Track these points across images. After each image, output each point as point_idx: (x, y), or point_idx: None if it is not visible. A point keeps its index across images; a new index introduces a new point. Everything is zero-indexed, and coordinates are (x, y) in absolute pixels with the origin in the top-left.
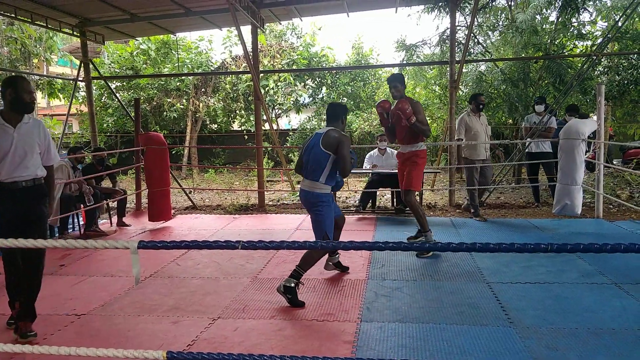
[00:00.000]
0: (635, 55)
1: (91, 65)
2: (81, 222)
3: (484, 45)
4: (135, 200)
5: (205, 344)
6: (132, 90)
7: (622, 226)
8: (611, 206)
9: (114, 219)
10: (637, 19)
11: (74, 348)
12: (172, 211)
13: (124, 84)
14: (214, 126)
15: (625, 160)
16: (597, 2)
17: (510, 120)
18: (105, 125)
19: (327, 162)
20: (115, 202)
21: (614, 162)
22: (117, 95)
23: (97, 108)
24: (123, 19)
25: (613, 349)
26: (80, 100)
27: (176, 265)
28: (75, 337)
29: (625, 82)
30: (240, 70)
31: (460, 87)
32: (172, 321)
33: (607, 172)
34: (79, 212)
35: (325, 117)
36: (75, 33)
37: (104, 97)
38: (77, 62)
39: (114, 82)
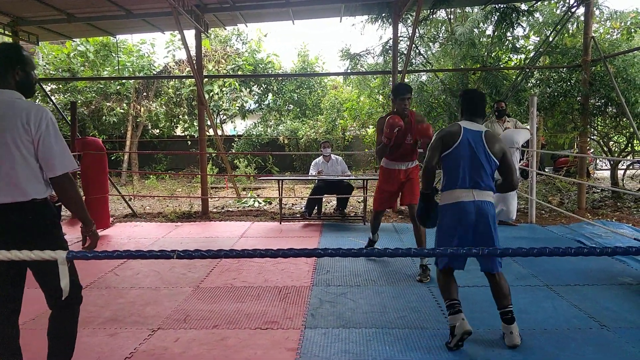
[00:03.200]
0: (565, 69)
1: None
2: None
3: (425, 56)
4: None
5: (144, 356)
6: (69, 93)
7: (554, 230)
8: (543, 211)
9: None
10: (566, 35)
11: None
12: (111, 219)
13: (60, 86)
14: (156, 131)
15: (556, 168)
16: (530, 18)
17: None
18: None
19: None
20: None
21: (546, 170)
22: (52, 98)
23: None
24: (59, 19)
25: (545, 348)
26: None
27: (114, 275)
28: (1, 353)
29: (556, 94)
30: (184, 74)
31: None
32: (109, 334)
33: (539, 179)
34: None
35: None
36: (6, 32)
37: (37, 100)
38: None
39: (49, 84)
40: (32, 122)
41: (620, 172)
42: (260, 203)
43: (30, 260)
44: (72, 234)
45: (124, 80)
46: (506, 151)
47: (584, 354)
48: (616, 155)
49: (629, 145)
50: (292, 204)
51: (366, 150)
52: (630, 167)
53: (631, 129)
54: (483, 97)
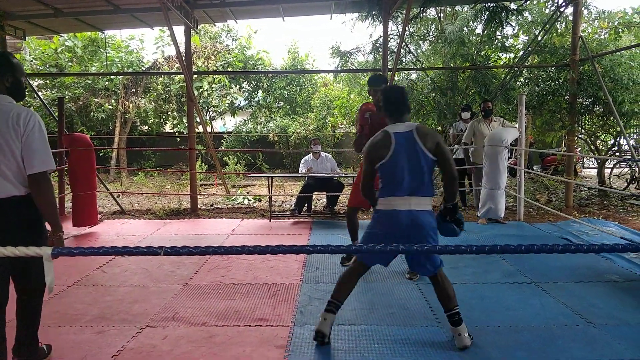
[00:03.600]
0: (553, 68)
1: None
2: None
3: (415, 54)
4: (58, 205)
5: (131, 354)
6: (56, 89)
7: (541, 228)
8: (531, 209)
9: None
10: (555, 34)
11: None
12: (99, 216)
13: (47, 82)
14: (145, 128)
15: (544, 166)
16: (519, 17)
17: (440, 127)
18: None
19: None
20: None
21: (534, 168)
22: (40, 94)
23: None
24: (46, 13)
25: (532, 344)
26: None
27: (102, 272)
28: None
29: (544, 92)
30: (173, 71)
31: None
32: (97, 331)
33: (527, 177)
34: None
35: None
36: None
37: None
38: None
39: (36, 79)
40: (22, 123)
41: (607, 171)
42: (250, 200)
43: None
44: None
45: (112, 76)
46: (440, 142)
47: (570, 350)
48: (603, 154)
49: (616, 144)
50: (282, 201)
51: None
52: (617, 166)
53: (618, 128)
54: (402, 92)
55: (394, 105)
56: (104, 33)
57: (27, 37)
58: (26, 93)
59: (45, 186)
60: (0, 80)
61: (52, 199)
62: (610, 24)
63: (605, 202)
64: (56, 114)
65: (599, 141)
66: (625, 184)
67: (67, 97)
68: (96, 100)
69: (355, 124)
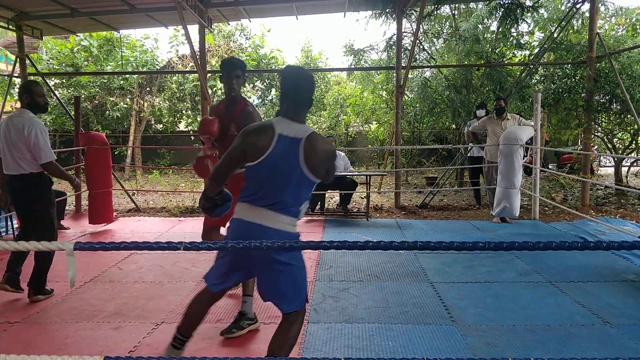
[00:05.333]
0: (570, 65)
1: (28, 61)
2: (15, 225)
3: (429, 52)
4: (74, 202)
5: (147, 349)
6: (73, 88)
7: (557, 227)
8: (547, 208)
9: None
10: (571, 31)
11: (3, 355)
12: (114, 213)
13: (64, 81)
14: (159, 126)
15: (559, 164)
16: (535, 13)
17: (454, 126)
18: (43, 123)
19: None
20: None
21: (550, 167)
22: (56, 92)
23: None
24: (63, 13)
25: (547, 344)
26: (16, 98)
27: (118, 269)
28: (7, 346)
29: (560, 90)
30: (187, 69)
31: (405, 92)
32: (114, 327)
33: (543, 176)
34: (13, 215)
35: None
36: (10, 27)
37: None
38: (13, 57)
39: (53, 79)
40: (25, 131)
41: (624, 169)
42: None
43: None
44: (76, 228)
45: (127, 75)
46: (331, 165)
47: (586, 350)
48: (620, 152)
49: (633, 142)
50: None
51: (369, 146)
52: (635, 164)
53: (636, 126)
54: (307, 78)
55: (295, 94)
56: (119, 32)
57: (44, 37)
58: (47, 108)
59: (51, 168)
60: (21, 99)
61: (60, 173)
62: (628, 20)
63: (622, 201)
64: (73, 113)
65: (616, 139)
66: None
67: (83, 96)
68: (111, 99)
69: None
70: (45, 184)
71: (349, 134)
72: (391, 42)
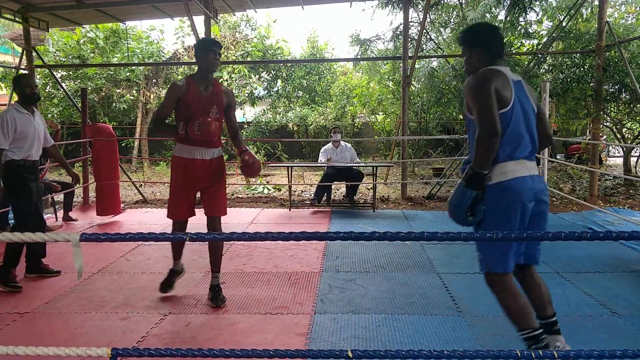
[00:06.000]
0: (578, 54)
1: (34, 53)
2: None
3: (436, 41)
4: (82, 194)
5: (155, 340)
6: (79, 80)
7: (565, 218)
8: (555, 199)
9: (60, 214)
10: (580, 20)
11: (12, 347)
12: (122, 205)
13: (70, 73)
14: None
15: (568, 155)
16: (543, 2)
17: (461, 116)
18: (50, 115)
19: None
20: (61, 196)
21: (558, 157)
22: (63, 85)
23: (42, 98)
24: (68, 5)
25: None
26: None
27: (125, 260)
28: (16, 337)
29: (569, 80)
30: (193, 61)
31: (412, 82)
32: (122, 317)
33: (551, 166)
34: None
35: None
36: (17, 19)
37: (48, 86)
38: (20, 49)
39: (60, 71)
40: (43, 122)
41: (633, 159)
42: (270, 190)
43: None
44: (84, 220)
45: (133, 67)
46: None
47: (594, 340)
48: (629, 142)
49: None
50: (302, 191)
51: (376, 137)
52: None
53: None
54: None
55: (499, 40)
56: (124, 24)
57: (50, 29)
58: (36, 98)
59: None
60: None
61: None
62: (638, 8)
63: (631, 191)
64: (79, 105)
65: (625, 129)
66: None
67: (89, 88)
68: (118, 91)
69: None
70: (11, 173)
71: (356, 124)
72: (398, 32)
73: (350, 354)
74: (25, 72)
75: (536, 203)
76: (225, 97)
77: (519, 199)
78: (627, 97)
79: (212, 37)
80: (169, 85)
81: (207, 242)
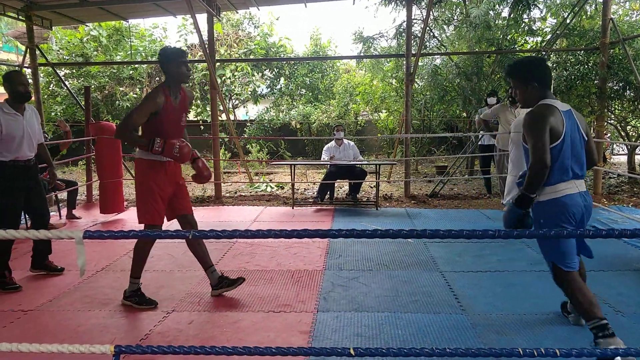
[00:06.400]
0: (582, 52)
1: (38, 52)
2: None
3: (439, 39)
4: (85, 192)
5: (158, 337)
6: (82, 78)
7: None
8: None
9: (64, 212)
10: (584, 17)
11: (16, 344)
12: (125, 203)
13: (74, 71)
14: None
15: None
16: None
17: (464, 114)
18: (53, 114)
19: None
20: (65, 194)
21: None
22: (66, 83)
23: (45, 96)
24: (72, 3)
25: (558, 333)
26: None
27: (129, 258)
28: (20, 334)
29: (573, 77)
30: (196, 59)
31: (415, 80)
32: (125, 315)
33: None
34: None
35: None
36: (20, 17)
37: (51, 84)
38: (23, 47)
39: (63, 69)
40: (38, 120)
41: (637, 157)
42: (273, 188)
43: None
44: (88, 218)
45: (136, 65)
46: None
47: None
48: (634, 140)
49: None
50: (305, 189)
51: (379, 135)
52: None
53: None
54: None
55: (549, 76)
56: (128, 22)
57: (53, 27)
58: (28, 97)
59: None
60: (5, 90)
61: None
62: None
63: (635, 189)
64: (83, 103)
65: (629, 127)
66: None
67: (93, 86)
68: (121, 89)
69: (143, 104)
70: (1, 175)
71: (359, 122)
72: (401, 29)
73: (352, 352)
74: (17, 69)
75: (584, 213)
76: (188, 102)
77: (569, 211)
78: (632, 94)
79: (175, 46)
80: (148, 94)
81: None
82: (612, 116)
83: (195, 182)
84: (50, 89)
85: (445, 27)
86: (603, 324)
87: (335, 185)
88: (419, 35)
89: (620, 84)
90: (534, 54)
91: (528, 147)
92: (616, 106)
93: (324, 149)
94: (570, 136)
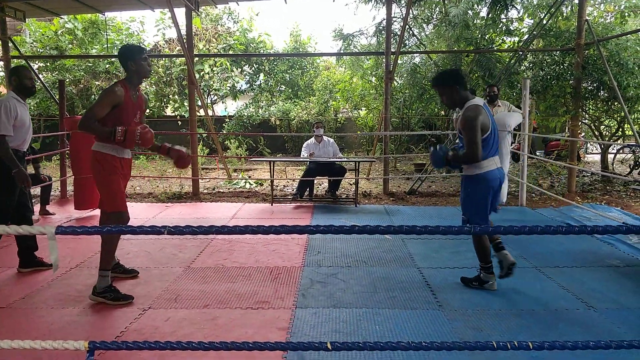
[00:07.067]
0: (558, 52)
1: (11, 44)
2: None
3: (419, 37)
4: (60, 188)
5: (134, 334)
6: (57, 72)
7: (543, 213)
8: (534, 195)
9: (37, 208)
10: (560, 18)
11: None
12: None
13: (48, 64)
14: (146, 111)
15: (547, 151)
16: (524, 0)
17: (443, 112)
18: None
19: None
20: (38, 189)
21: (537, 153)
22: (40, 76)
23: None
24: None
25: (532, 328)
26: None
27: None
28: None
29: (549, 77)
30: (174, 53)
31: (395, 78)
32: (100, 313)
33: (530, 162)
34: None
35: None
36: None
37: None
38: None
39: (37, 62)
40: None
41: (610, 156)
42: (252, 184)
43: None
44: (62, 214)
45: (113, 59)
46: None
47: (571, 334)
48: (607, 139)
49: (620, 129)
50: (284, 185)
51: (358, 132)
52: (620, 152)
53: (622, 113)
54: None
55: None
56: (104, 15)
57: (27, 19)
58: (34, 91)
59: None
60: (10, 82)
61: (4, 151)
62: (617, 7)
63: (607, 187)
64: (57, 97)
65: (603, 126)
66: (628, 170)
67: (67, 79)
68: (97, 83)
69: (99, 104)
70: (2, 162)
71: (338, 119)
72: (381, 27)
73: (329, 346)
74: (23, 64)
75: (501, 182)
76: (144, 104)
77: (490, 184)
78: (605, 95)
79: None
80: (107, 89)
81: (185, 236)
82: (587, 116)
83: (179, 168)
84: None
85: (424, 25)
86: (490, 265)
87: (315, 182)
88: (399, 33)
89: (595, 85)
90: (511, 54)
91: (464, 140)
92: (590, 106)
93: (304, 145)
94: (493, 126)
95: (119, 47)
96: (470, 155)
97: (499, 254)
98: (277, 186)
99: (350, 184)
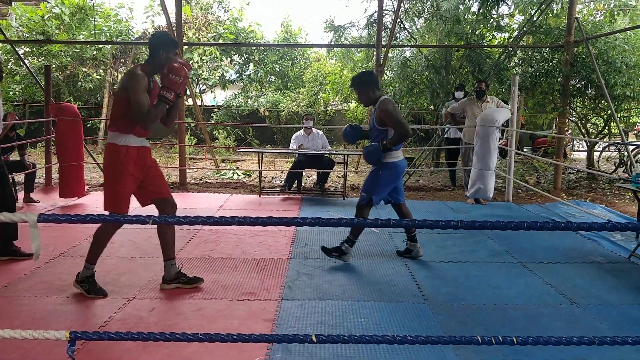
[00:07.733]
0: (548, 49)
1: None
2: None
3: (410, 31)
4: (44, 175)
5: (118, 324)
6: (43, 57)
7: (529, 209)
8: (520, 191)
9: (20, 195)
10: (550, 15)
11: None
12: (86, 187)
13: (34, 49)
14: None
15: (534, 148)
16: None
17: (432, 106)
18: (11, 93)
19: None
20: (22, 176)
21: (524, 150)
22: (26, 61)
23: (3, 75)
24: None
25: (516, 323)
26: None
27: (88, 244)
28: None
29: (537, 74)
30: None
31: (385, 71)
32: (84, 302)
33: (517, 158)
34: None
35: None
36: None
37: (10, 63)
38: None
39: (22, 47)
40: None
41: (596, 154)
42: (240, 175)
43: None
44: (46, 202)
45: (100, 46)
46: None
47: (554, 329)
48: (593, 137)
49: (606, 127)
50: (272, 177)
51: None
52: (606, 149)
53: (609, 111)
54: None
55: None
56: (92, 1)
57: (13, 3)
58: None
59: None
60: None
61: None
62: (606, 6)
63: (593, 185)
64: (43, 83)
65: (589, 124)
66: (614, 168)
67: (54, 65)
68: (84, 69)
69: (133, 92)
70: None
71: (328, 112)
72: (372, 20)
73: (314, 339)
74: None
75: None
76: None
77: (399, 171)
78: (593, 92)
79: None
80: (135, 76)
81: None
82: (574, 113)
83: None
84: (9, 67)
85: (415, 19)
86: (415, 234)
87: (303, 174)
88: (390, 26)
89: (583, 82)
90: (501, 50)
91: (389, 126)
92: (578, 103)
93: (293, 137)
94: None
95: (153, 33)
96: (403, 132)
97: (411, 245)
98: (265, 178)
99: (339, 177)
